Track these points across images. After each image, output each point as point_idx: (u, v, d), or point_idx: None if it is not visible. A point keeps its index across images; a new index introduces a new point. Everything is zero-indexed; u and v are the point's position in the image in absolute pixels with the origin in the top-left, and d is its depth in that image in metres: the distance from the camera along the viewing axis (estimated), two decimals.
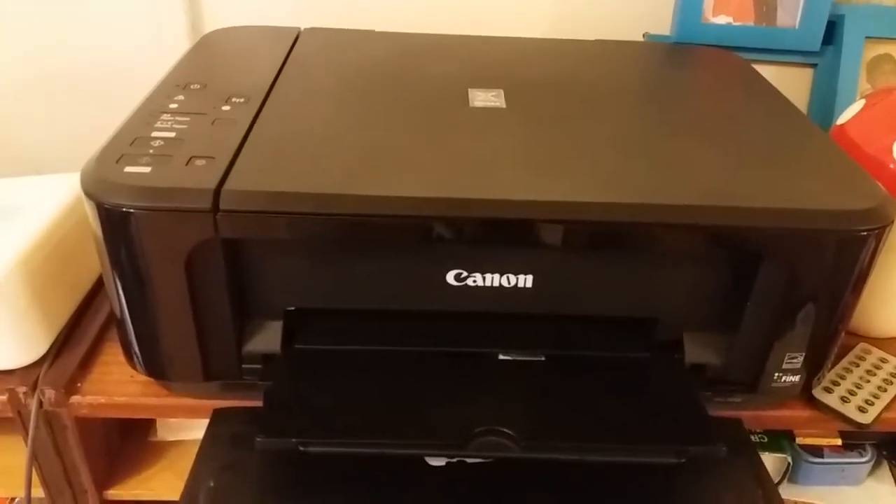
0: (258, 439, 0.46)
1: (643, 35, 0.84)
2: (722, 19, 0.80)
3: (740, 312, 0.52)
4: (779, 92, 0.66)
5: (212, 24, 0.84)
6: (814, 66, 0.84)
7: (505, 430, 0.47)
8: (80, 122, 0.80)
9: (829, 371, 0.59)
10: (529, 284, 0.51)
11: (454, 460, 0.52)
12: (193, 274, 0.48)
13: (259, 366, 0.54)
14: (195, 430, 0.68)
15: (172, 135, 0.52)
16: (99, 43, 0.87)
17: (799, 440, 0.71)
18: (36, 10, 0.85)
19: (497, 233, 0.48)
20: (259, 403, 0.51)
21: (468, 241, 0.48)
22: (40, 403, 0.57)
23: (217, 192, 0.46)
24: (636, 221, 0.47)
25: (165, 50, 0.69)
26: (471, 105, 0.59)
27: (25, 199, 0.63)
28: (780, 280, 0.50)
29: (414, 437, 0.48)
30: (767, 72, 0.74)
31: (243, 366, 0.54)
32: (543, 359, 0.55)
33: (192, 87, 0.60)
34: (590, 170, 0.51)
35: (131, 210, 0.46)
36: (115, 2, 0.85)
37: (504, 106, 0.59)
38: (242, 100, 0.57)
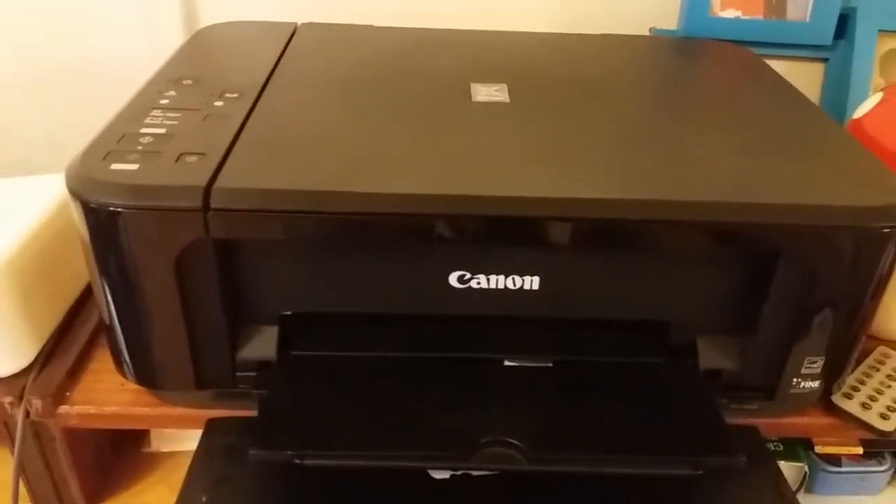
0: (251, 452, 0.44)
1: (649, 30, 0.82)
2: (730, 13, 0.78)
3: (757, 315, 0.50)
4: (791, 85, 0.64)
5: (208, 20, 0.82)
6: (825, 60, 0.82)
7: (512, 440, 0.44)
8: (74, 120, 0.79)
9: (848, 376, 0.57)
10: (536, 286, 0.49)
11: (459, 473, 0.49)
12: (184, 276, 0.46)
13: (254, 373, 0.51)
14: (191, 440, 0.66)
15: (162, 131, 0.50)
16: (93, 40, 0.85)
17: (817, 448, 0.68)
18: (29, 7, 0.83)
19: (502, 231, 0.46)
20: (255, 413, 0.49)
21: (471, 241, 0.46)
22: (27, 413, 0.55)
23: (207, 189, 0.43)
24: (647, 219, 0.45)
25: (161, 46, 0.67)
26: (473, 100, 0.57)
27: (13, 200, 0.61)
28: (798, 280, 0.47)
29: (416, 448, 0.45)
30: (777, 66, 0.72)
31: (237, 373, 0.51)
32: (551, 365, 0.53)
33: (184, 82, 0.58)
34: (597, 165, 0.49)
35: (118, 209, 0.44)
36: None
37: (508, 100, 0.57)
38: (236, 95, 0.55)
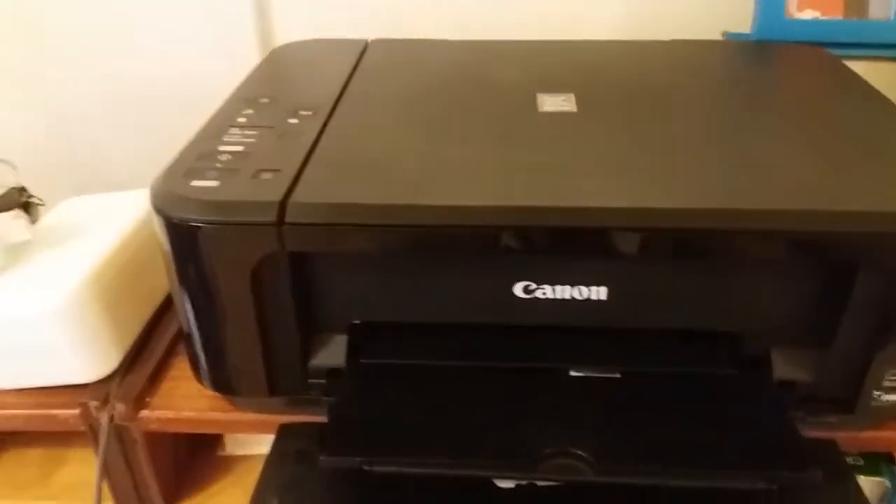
0: (321, 457, 0.45)
1: (722, 34, 0.81)
2: (808, 14, 0.75)
3: (834, 326, 0.48)
4: (873, 88, 0.61)
5: (281, 38, 0.85)
6: None
7: (578, 451, 0.44)
8: (158, 139, 0.82)
9: None
10: (603, 297, 0.48)
11: (524, 483, 0.49)
12: (259, 288, 0.48)
13: (324, 381, 0.53)
14: (264, 444, 0.68)
15: (240, 149, 0.52)
16: (172, 60, 0.89)
17: None
18: (109, 30, 0.88)
19: (569, 243, 0.45)
20: (325, 419, 0.50)
21: (538, 252, 0.46)
22: (111, 418, 0.57)
23: (283, 204, 0.45)
24: (718, 228, 0.44)
25: (237, 65, 0.70)
26: (540, 110, 0.57)
27: (99, 215, 0.64)
28: (878, 290, 0.46)
29: (481, 457, 0.45)
30: (859, 68, 0.69)
31: (309, 381, 0.53)
32: (619, 376, 0.52)
33: (260, 100, 0.60)
34: (667, 174, 0.48)
35: (198, 224, 0.46)
36: (186, 19, 0.87)
37: (575, 110, 0.57)
38: (310, 112, 0.57)
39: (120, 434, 0.60)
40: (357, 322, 0.52)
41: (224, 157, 0.50)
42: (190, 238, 0.46)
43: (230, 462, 0.71)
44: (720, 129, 0.55)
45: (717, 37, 0.81)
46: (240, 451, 0.71)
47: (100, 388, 0.59)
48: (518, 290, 0.49)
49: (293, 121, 0.55)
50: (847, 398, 0.50)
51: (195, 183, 0.47)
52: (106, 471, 0.61)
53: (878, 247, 0.44)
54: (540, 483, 0.49)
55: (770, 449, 0.46)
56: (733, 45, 0.76)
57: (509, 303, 0.49)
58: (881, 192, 0.46)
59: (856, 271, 0.46)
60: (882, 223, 0.43)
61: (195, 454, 0.71)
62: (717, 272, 0.49)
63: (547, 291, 0.49)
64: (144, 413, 0.58)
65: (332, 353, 0.52)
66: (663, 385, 0.51)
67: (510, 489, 0.49)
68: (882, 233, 0.43)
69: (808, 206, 0.44)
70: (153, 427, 0.58)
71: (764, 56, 0.72)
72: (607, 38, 0.77)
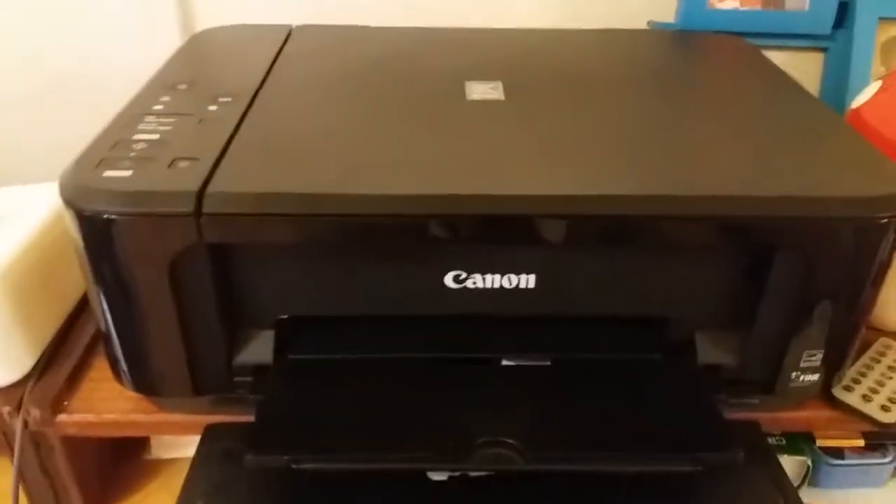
0: (248, 457, 0.44)
1: (647, 23, 0.82)
2: (728, 4, 0.77)
3: (755, 309, 0.49)
4: (789, 77, 0.63)
5: (204, 24, 0.82)
6: (825, 50, 0.81)
7: (509, 440, 0.44)
8: (70, 129, 0.79)
9: (849, 368, 0.56)
10: (532, 284, 0.49)
11: (457, 474, 0.49)
12: (178, 282, 0.46)
13: (251, 378, 0.51)
14: (191, 447, 0.66)
15: (156, 137, 0.49)
16: (91, 48, 0.85)
17: (819, 442, 0.68)
18: (26, 17, 0.83)
19: (497, 230, 0.45)
20: (253, 418, 0.48)
21: (467, 240, 0.46)
22: (25, 423, 0.55)
23: (200, 194, 0.43)
24: (642, 214, 0.45)
25: (157, 52, 0.67)
26: (468, 98, 0.56)
27: (9, 209, 0.61)
28: (796, 273, 0.47)
29: (412, 450, 0.45)
30: (777, 57, 0.71)
31: (234, 378, 0.51)
32: (549, 363, 0.52)
33: (178, 87, 0.57)
34: (592, 162, 0.48)
35: (111, 216, 0.43)
36: (106, 5, 0.83)
37: (503, 98, 0.57)
38: (230, 99, 0.55)
39: (36, 440, 0.57)
40: (284, 317, 0.51)
41: (139, 146, 0.48)
42: (102, 231, 0.44)
43: (157, 466, 0.69)
44: (644, 117, 0.56)
45: (643, 26, 0.82)
46: (166, 455, 0.69)
47: (12, 392, 0.56)
48: (449, 279, 0.48)
49: (213, 108, 0.54)
50: (768, 380, 0.52)
51: (107, 173, 0.45)
52: (22, 479, 0.58)
53: (794, 230, 0.45)
54: (472, 474, 0.49)
55: (694, 432, 0.47)
56: (658, 35, 0.77)
57: (440, 293, 0.49)
58: (796, 177, 0.47)
59: (773, 255, 0.47)
60: (798, 208, 0.45)
61: (119, 459, 0.68)
62: (642, 258, 0.49)
63: (477, 280, 0.49)
64: (62, 417, 0.55)
65: (259, 349, 0.51)
66: (592, 371, 0.52)
67: (443, 481, 0.49)
68: (797, 217, 0.45)
69: (728, 191, 0.45)
70: (72, 432, 0.56)
71: (686, 45, 0.73)
72: (536, 26, 0.77)
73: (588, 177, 0.47)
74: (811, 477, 0.69)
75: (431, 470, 0.48)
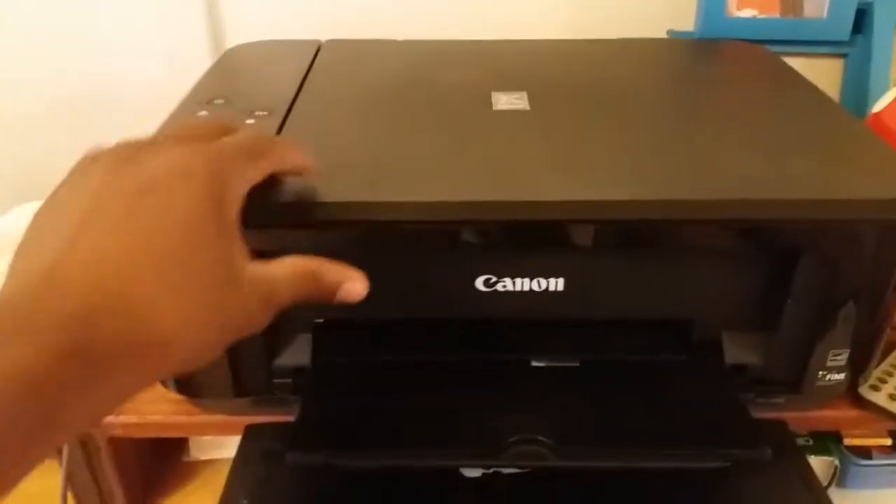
0: (288, 454, 0.46)
1: (667, 32, 0.83)
2: (747, 12, 0.78)
3: (780, 310, 0.50)
4: (810, 82, 0.64)
5: (232, 40, 0.84)
6: (844, 56, 0.82)
7: (541, 438, 0.46)
8: (102, 142, 0.82)
9: (875, 368, 0.57)
10: (561, 287, 0.50)
11: (490, 471, 0.50)
12: None
13: (290, 380, 0.53)
14: (228, 448, 0.68)
15: None
16: (117, 64, 0.88)
17: (846, 441, 0.69)
18: (56, 34, 0.86)
19: (525, 235, 0.47)
20: (292, 418, 0.50)
21: (496, 245, 0.47)
22: None
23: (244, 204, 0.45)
24: (667, 219, 0.46)
25: (187, 68, 0.70)
26: (494, 108, 0.58)
27: None
28: (819, 275, 0.48)
29: (446, 447, 0.47)
30: (796, 64, 0.72)
31: (274, 380, 0.53)
32: (578, 364, 0.54)
33: (215, 102, 0.60)
34: (617, 168, 0.50)
35: None
36: (136, 22, 0.86)
37: (528, 108, 0.58)
38: (266, 113, 0.57)
39: (83, 441, 0.59)
40: (321, 321, 0.53)
41: None
42: None
43: (195, 467, 0.71)
44: (667, 124, 0.57)
45: (663, 35, 0.83)
46: (204, 456, 0.71)
47: None
48: (479, 283, 0.50)
49: (250, 121, 0.56)
50: (794, 379, 0.53)
51: None
52: (70, 479, 0.60)
53: (817, 233, 0.46)
54: (505, 470, 0.50)
55: (722, 429, 0.48)
56: (677, 43, 0.78)
57: (471, 296, 0.50)
58: (817, 180, 0.48)
59: (797, 257, 0.48)
60: (821, 211, 0.46)
61: (159, 461, 0.70)
62: (668, 261, 0.51)
63: (507, 284, 0.50)
64: (109, 419, 0.57)
65: (297, 352, 0.53)
66: (620, 372, 0.53)
67: (476, 477, 0.50)
68: (821, 220, 0.46)
69: (751, 195, 0.46)
70: (117, 433, 0.58)
71: (706, 53, 0.75)
72: (558, 37, 0.78)
73: (613, 182, 0.48)
74: (839, 477, 0.70)
75: (466, 467, 0.50)
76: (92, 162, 0.36)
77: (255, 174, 0.39)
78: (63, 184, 0.36)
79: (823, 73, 0.82)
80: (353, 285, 0.40)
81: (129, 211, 0.33)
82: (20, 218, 0.67)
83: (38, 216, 0.35)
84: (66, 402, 0.28)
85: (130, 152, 0.36)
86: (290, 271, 0.38)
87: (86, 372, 0.29)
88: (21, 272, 0.32)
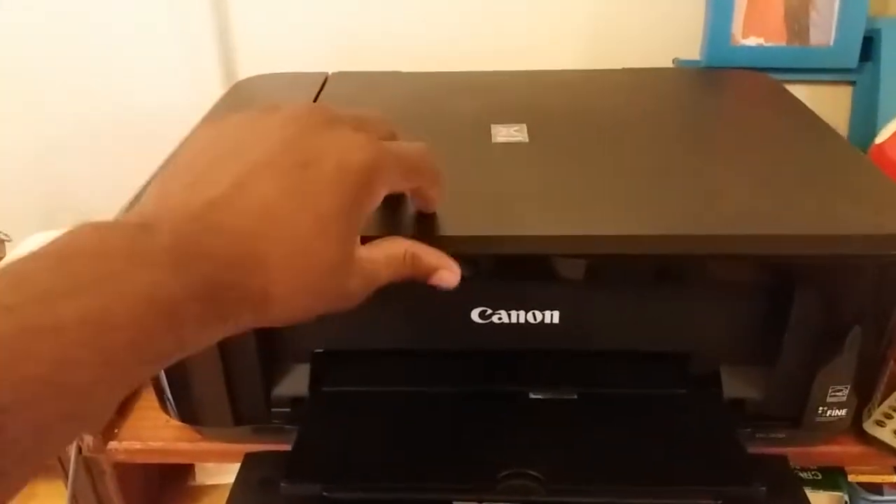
0: (283, 484, 0.46)
1: (673, 61, 0.83)
2: (752, 41, 0.78)
3: (779, 344, 0.50)
4: (812, 112, 0.64)
5: (245, 72, 0.86)
6: (853, 83, 0.82)
7: (532, 472, 0.46)
8: (125, 171, 0.84)
9: (880, 403, 0.56)
10: (556, 320, 0.50)
11: None
12: None
13: (288, 409, 0.54)
14: (234, 473, 0.69)
15: None
16: (141, 95, 0.90)
17: (851, 477, 0.67)
18: (74, 62, 0.89)
19: (518, 269, 0.47)
20: (290, 447, 0.51)
21: (491, 278, 0.48)
22: (79, 449, 0.58)
23: None
24: (662, 254, 0.46)
25: (202, 98, 0.72)
26: (493, 141, 0.59)
27: None
28: (818, 310, 0.47)
29: (438, 480, 0.47)
30: (804, 92, 0.73)
31: (272, 409, 0.54)
32: (576, 397, 0.53)
33: None
34: (613, 201, 0.50)
35: None
36: (153, 54, 0.88)
37: (527, 140, 0.59)
38: None
39: (88, 466, 0.60)
40: (319, 351, 0.53)
41: None
42: None
43: (201, 492, 0.72)
44: (667, 156, 0.57)
45: (669, 64, 0.84)
46: (210, 481, 0.72)
47: None
48: (475, 315, 0.50)
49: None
50: (794, 415, 0.52)
51: None
52: (76, 503, 0.61)
53: (814, 268, 0.46)
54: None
55: (717, 466, 0.47)
56: (683, 73, 0.78)
57: (467, 328, 0.50)
58: (815, 215, 0.47)
59: (795, 291, 0.47)
60: (816, 246, 0.45)
61: (166, 485, 0.71)
62: (665, 295, 0.51)
63: (503, 316, 0.50)
64: (113, 444, 0.58)
65: (295, 382, 0.53)
66: (618, 405, 0.53)
67: None
68: (815, 255, 0.46)
69: (749, 230, 0.46)
70: (121, 458, 0.59)
71: (709, 82, 0.75)
72: (562, 67, 0.79)
73: (608, 217, 0.48)
74: None
75: (458, 500, 0.50)
76: (274, 112, 0.38)
77: (403, 185, 0.42)
78: (236, 122, 0.38)
79: (831, 101, 0.82)
80: (447, 273, 0.42)
81: (294, 177, 0.34)
82: (32, 247, 0.68)
83: (203, 143, 0.37)
84: (185, 337, 0.31)
85: (312, 121, 0.37)
86: (391, 253, 0.40)
87: (210, 313, 0.31)
88: (174, 195, 0.34)
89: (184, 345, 0.31)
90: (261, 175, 0.34)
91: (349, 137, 0.37)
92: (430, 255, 0.42)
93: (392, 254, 0.40)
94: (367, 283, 0.39)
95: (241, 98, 0.72)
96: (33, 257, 0.28)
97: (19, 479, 0.26)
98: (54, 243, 0.29)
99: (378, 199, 0.38)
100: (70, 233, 0.30)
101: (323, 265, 0.35)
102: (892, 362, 0.53)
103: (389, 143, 0.40)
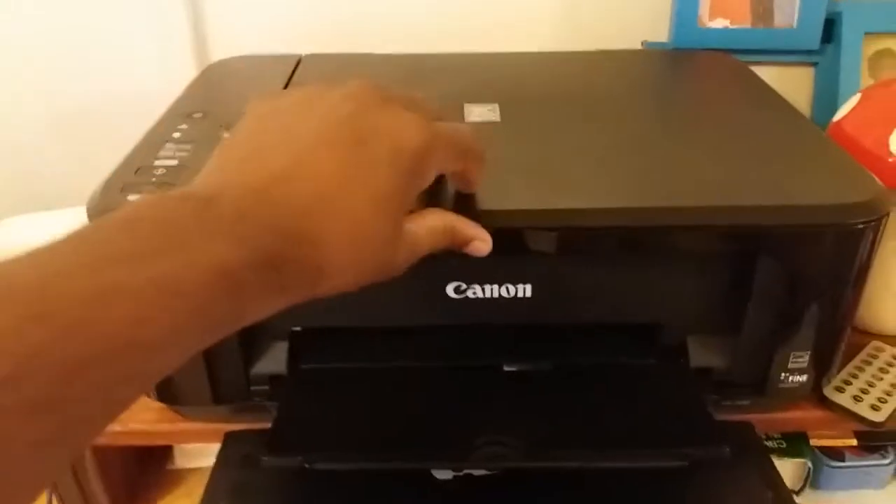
0: (264, 458, 0.47)
1: (641, 43, 0.85)
2: (719, 23, 0.80)
3: (742, 314, 0.52)
4: (775, 92, 0.66)
5: (218, 56, 0.86)
6: (815, 64, 0.84)
7: (506, 440, 0.47)
8: (93, 155, 0.84)
9: (840, 370, 0.59)
10: (529, 294, 0.51)
11: (461, 473, 0.52)
12: None
13: (267, 387, 0.55)
14: (213, 456, 0.69)
15: (175, 163, 0.53)
16: (109, 77, 0.89)
17: (814, 442, 0.70)
18: (46, 46, 0.88)
19: (494, 243, 0.48)
20: (270, 425, 0.51)
21: (465, 253, 0.49)
22: None
23: None
24: (630, 225, 0.47)
25: (173, 82, 0.71)
26: (466, 119, 0.60)
27: (37, 235, 0.65)
28: (779, 279, 0.49)
29: (417, 450, 0.48)
30: (768, 73, 0.74)
31: (251, 388, 0.55)
32: (549, 368, 0.55)
33: (194, 115, 0.61)
34: (581, 176, 0.51)
35: None
36: (126, 38, 0.87)
37: (499, 119, 0.60)
38: None
39: None
40: (297, 329, 0.54)
41: (159, 171, 0.52)
42: None
43: (180, 475, 0.72)
44: (634, 134, 0.59)
45: (637, 46, 0.85)
46: (189, 464, 0.72)
47: None
48: (450, 290, 0.51)
49: (227, 134, 0.57)
50: (758, 381, 0.54)
51: (132, 197, 0.49)
52: (55, 487, 0.62)
53: (774, 237, 0.48)
54: (475, 472, 0.52)
55: (683, 430, 0.49)
56: (650, 54, 0.80)
57: (443, 303, 0.51)
58: (776, 187, 0.49)
59: (756, 261, 0.49)
60: (776, 216, 0.47)
61: (145, 469, 0.72)
62: (633, 267, 0.52)
63: (477, 291, 0.51)
64: None
65: (273, 359, 0.54)
66: (590, 376, 0.55)
67: (448, 479, 0.51)
68: (776, 225, 0.47)
69: (712, 202, 0.48)
70: (101, 441, 0.59)
71: (678, 64, 0.76)
72: (536, 49, 0.80)
73: (577, 191, 0.49)
74: (812, 479, 0.71)
75: (435, 468, 0.51)
76: (331, 90, 0.39)
77: (452, 166, 0.43)
78: (294, 99, 0.39)
79: (795, 82, 0.84)
80: (481, 244, 0.44)
81: (351, 156, 0.35)
82: (7, 232, 0.68)
83: (261, 119, 0.38)
84: (245, 307, 0.31)
85: (367, 100, 0.38)
86: (432, 225, 0.41)
87: (270, 285, 0.32)
88: (234, 170, 0.35)
89: (243, 315, 0.32)
90: (318, 152, 0.35)
91: (404, 117, 0.38)
92: (468, 227, 0.43)
93: (433, 226, 0.41)
94: (411, 254, 0.40)
95: (212, 82, 0.72)
96: (102, 222, 0.29)
97: (83, 440, 0.27)
98: (122, 211, 0.30)
99: (430, 180, 0.40)
100: (136, 202, 0.31)
101: (377, 242, 0.36)
102: (850, 329, 0.55)
103: (440, 124, 0.41)
